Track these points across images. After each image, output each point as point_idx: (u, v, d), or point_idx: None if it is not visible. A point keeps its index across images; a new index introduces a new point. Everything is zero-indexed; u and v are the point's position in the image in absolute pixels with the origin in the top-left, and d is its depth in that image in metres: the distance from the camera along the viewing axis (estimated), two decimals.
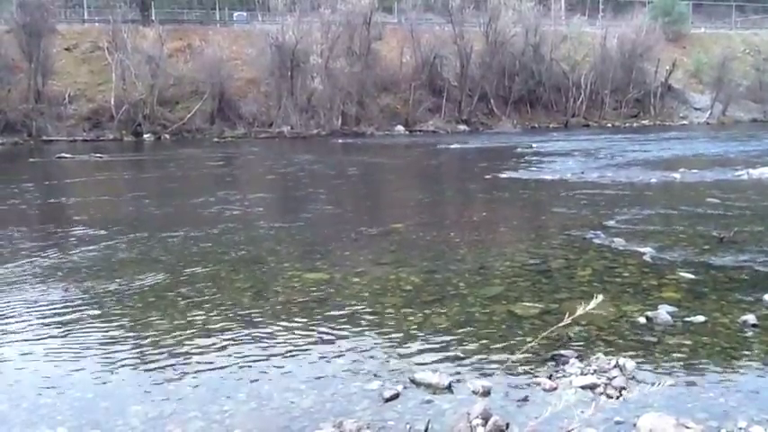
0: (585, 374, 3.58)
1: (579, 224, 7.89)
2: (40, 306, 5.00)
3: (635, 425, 3.05)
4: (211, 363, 3.89)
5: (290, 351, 4.06)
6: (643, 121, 34.33)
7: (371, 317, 4.66)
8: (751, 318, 4.38)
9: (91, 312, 4.84)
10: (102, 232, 8.00)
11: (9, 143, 24.70)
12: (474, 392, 3.43)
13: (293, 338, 4.27)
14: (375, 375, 3.69)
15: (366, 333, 4.36)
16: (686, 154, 18.10)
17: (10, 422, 3.24)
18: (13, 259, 6.50)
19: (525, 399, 3.37)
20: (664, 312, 4.50)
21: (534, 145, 21.03)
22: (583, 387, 3.46)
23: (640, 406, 3.19)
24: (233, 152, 21.49)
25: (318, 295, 5.16)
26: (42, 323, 4.62)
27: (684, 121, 35.05)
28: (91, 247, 6.97)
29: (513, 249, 6.82)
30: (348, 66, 28.91)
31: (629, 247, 6.54)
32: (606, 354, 3.84)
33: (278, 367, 3.83)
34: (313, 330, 4.40)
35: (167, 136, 26.99)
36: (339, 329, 4.42)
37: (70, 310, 4.89)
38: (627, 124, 33.41)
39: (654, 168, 14.24)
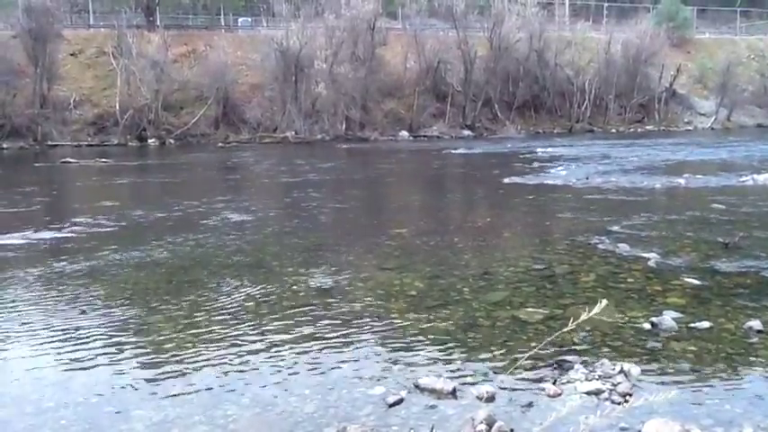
0: (590, 380, 3.57)
1: (584, 229, 7.88)
2: (44, 310, 5.02)
3: (640, 431, 3.04)
4: (215, 367, 3.89)
5: (294, 356, 4.06)
6: (647, 127, 34.20)
7: (375, 322, 4.66)
8: (756, 324, 4.36)
9: (94, 316, 4.86)
10: (107, 236, 8.02)
11: (14, 148, 24.79)
12: (478, 398, 3.43)
13: (297, 343, 4.27)
14: (379, 380, 3.69)
15: (370, 338, 4.36)
16: (691, 159, 18.05)
17: (14, 426, 3.24)
18: (18, 263, 6.52)
19: (530, 404, 3.37)
20: (668, 318, 4.48)
21: (539, 150, 21.02)
22: (587, 393, 3.45)
23: (645, 412, 3.18)
24: (237, 157, 21.52)
25: (322, 300, 5.16)
26: (46, 327, 4.63)
27: (689, 127, 34.93)
28: (95, 251, 6.99)
29: (518, 255, 6.81)
30: (352, 71, 28.93)
31: (633, 253, 6.53)
32: (611, 359, 3.82)
33: (281, 372, 3.84)
34: (317, 335, 4.40)
35: (172, 141, 27.03)
36: (343, 334, 4.42)
37: (73, 314, 4.90)
38: (631, 129, 33.29)
39: (658, 174, 14.21)
